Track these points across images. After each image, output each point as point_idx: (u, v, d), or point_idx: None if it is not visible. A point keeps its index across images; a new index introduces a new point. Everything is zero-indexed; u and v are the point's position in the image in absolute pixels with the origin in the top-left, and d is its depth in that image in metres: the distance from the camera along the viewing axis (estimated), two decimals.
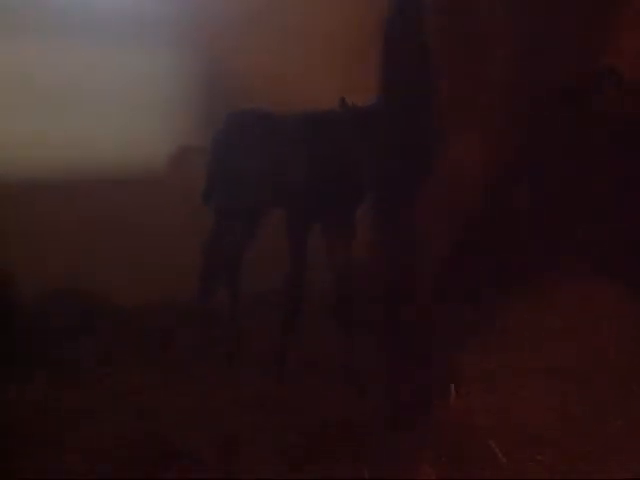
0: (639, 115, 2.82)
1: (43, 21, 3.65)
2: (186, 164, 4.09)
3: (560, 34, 2.67)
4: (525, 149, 2.93)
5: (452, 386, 2.98)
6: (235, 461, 2.65)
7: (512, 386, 3.08)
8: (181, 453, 2.66)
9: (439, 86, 2.82)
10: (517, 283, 3.71)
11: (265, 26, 4.09)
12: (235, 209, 3.55)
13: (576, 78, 2.75)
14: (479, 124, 2.78)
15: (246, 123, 3.53)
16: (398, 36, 2.94)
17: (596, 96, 2.81)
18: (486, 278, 3.69)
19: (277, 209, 3.45)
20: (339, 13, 4.15)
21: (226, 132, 3.57)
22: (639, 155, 3.22)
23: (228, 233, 3.58)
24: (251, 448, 2.73)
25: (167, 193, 3.98)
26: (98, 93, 3.81)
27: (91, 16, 3.82)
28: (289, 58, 4.04)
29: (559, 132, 3.14)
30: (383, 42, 2.97)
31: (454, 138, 2.80)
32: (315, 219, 3.34)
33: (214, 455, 2.68)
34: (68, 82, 3.73)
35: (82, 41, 3.76)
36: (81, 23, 3.78)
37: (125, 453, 2.68)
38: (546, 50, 2.70)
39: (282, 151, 3.36)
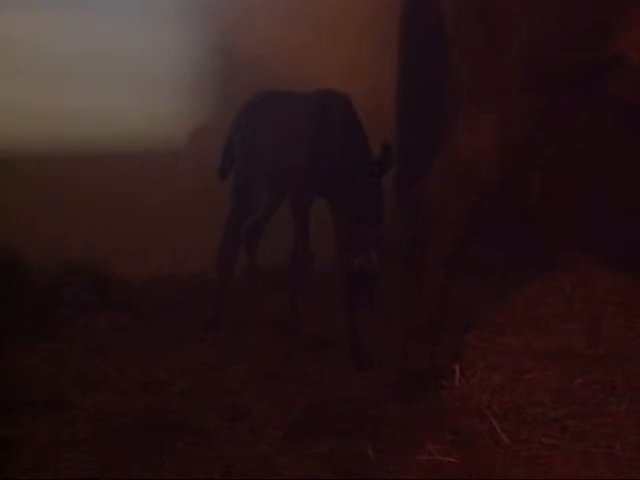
0: None
1: None
2: (199, 140, 4.12)
3: (576, 17, 2.65)
4: (540, 133, 2.94)
5: (457, 366, 3.01)
6: (238, 433, 2.69)
7: (517, 367, 3.10)
8: (186, 424, 2.70)
9: (455, 67, 2.83)
10: (525, 265, 3.74)
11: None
12: (253, 185, 3.61)
13: (590, 63, 2.72)
14: (495, 107, 2.79)
15: (267, 103, 3.59)
16: (415, 16, 2.96)
17: (607, 82, 2.78)
18: (495, 258, 3.72)
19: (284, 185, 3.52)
20: None
21: (247, 111, 3.62)
22: None
23: (247, 207, 3.64)
24: (255, 420, 2.77)
25: (180, 168, 4.01)
26: (110, 68, 3.85)
27: None
28: (299, 32, 4.05)
29: (574, 117, 3.13)
30: (400, 22, 2.99)
31: (469, 121, 2.82)
32: (317, 194, 3.38)
33: (217, 426, 2.72)
34: (82, 56, 3.76)
35: (96, 16, 3.80)
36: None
37: (133, 422, 2.72)
38: (562, 33, 2.68)
39: (288, 128, 3.42)
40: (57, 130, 3.75)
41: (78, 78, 3.79)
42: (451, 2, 2.83)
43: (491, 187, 2.87)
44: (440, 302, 2.93)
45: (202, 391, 2.96)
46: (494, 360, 3.16)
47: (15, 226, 3.59)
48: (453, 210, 2.85)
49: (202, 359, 3.23)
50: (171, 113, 4.08)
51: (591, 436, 2.67)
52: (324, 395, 2.91)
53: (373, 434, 2.67)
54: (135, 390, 2.97)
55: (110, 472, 2.44)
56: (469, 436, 2.70)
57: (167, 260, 3.91)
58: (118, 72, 3.92)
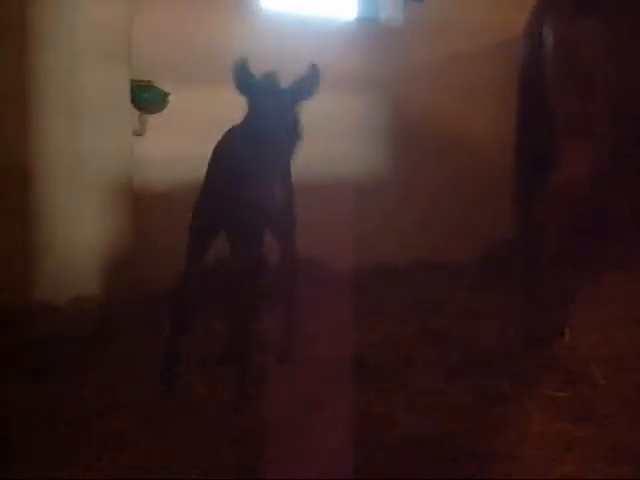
0: None
1: None
2: None
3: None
4: (620, 164, 3.85)
5: (567, 329, 3.88)
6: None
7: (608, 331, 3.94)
8: None
9: (556, 114, 3.79)
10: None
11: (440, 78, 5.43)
12: None
13: None
14: (585, 143, 3.70)
15: None
16: (526, 80, 3.97)
17: None
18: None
19: None
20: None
21: None
22: None
23: None
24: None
25: None
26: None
27: None
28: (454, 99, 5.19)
29: None
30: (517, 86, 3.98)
31: (567, 154, 3.74)
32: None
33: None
34: None
35: None
36: None
37: None
38: (633, 85, 3.57)
39: None
40: None
41: None
42: (550, 70, 3.76)
43: (586, 202, 3.77)
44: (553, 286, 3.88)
45: None
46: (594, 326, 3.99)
47: None
48: (558, 220, 3.76)
49: None
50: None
51: None
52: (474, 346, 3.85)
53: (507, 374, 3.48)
54: None
55: None
56: (576, 378, 3.44)
57: None
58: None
